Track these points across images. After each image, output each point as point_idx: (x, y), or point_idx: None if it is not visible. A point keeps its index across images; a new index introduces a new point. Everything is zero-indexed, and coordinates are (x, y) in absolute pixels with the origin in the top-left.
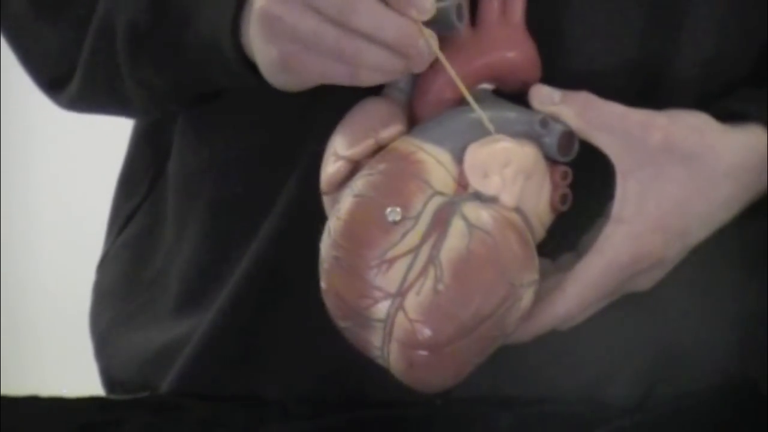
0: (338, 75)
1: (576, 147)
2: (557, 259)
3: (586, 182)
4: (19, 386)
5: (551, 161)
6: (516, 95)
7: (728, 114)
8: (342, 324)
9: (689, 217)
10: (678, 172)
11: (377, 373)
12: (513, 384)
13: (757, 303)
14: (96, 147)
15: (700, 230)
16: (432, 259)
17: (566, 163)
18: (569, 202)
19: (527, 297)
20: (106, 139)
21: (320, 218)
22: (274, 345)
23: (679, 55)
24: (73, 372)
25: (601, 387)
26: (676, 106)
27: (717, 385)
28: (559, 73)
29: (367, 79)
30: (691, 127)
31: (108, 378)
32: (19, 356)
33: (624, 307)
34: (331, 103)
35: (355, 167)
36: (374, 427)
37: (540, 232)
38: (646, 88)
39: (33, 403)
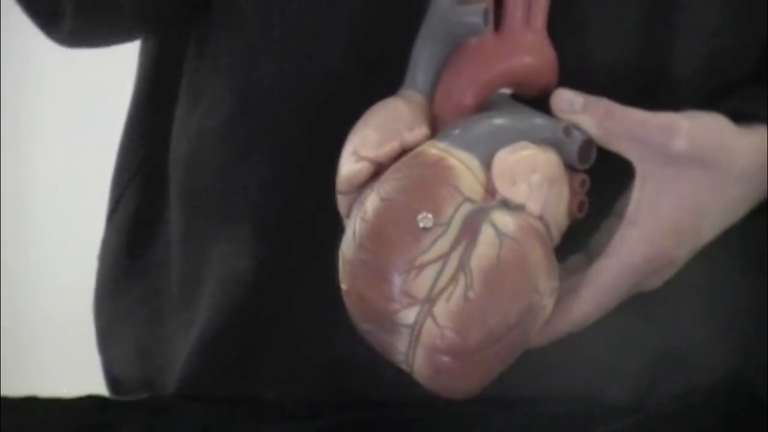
0: None
1: (594, 155)
2: (566, 261)
3: (591, 182)
4: (18, 387)
5: (570, 168)
6: (532, 100)
7: (736, 114)
8: (364, 327)
9: (702, 218)
10: (695, 173)
11: (376, 374)
12: (512, 384)
13: (758, 303)
14: (96, 146)
15: (711, 230)
16: (462, 266)
17: (583, 170)
18: (585, 210)
19: (550, 305)
20: (107, 137)
21: (319, 217)
22: (272, 346)
23: (678, 52)
24: (73, 372)
25: (601, 387)
26: (678, 104)
27: (716, 385)
28: (560, 71)
29: None
30: (712, 131)
31: (110, 375)
32: (19, 356)
33: (624, 307)
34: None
35: (377, 168)
36: (373, 428)
37: (557, 239)
38: (646, 86)
39: (31, 403)
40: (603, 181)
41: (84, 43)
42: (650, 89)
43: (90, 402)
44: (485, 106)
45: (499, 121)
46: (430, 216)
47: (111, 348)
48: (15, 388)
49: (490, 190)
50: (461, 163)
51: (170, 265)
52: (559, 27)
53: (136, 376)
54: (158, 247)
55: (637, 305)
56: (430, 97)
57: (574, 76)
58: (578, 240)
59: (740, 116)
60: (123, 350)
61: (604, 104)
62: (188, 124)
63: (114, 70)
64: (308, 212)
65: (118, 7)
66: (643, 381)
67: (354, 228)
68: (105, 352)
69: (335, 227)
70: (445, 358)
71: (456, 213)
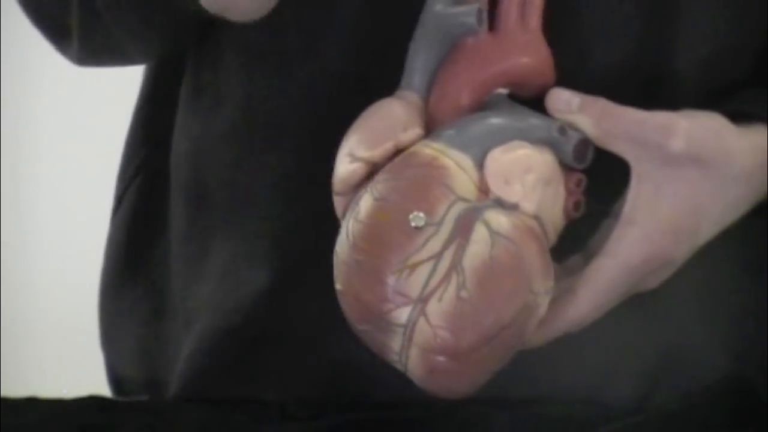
0: None
1: (591, 154)
2: (564, 261)
3: (589, 182)
4: (18, 387)
5: (566, 168)
6: (530, 99)
7: (735, 114)
8: (359, 327)
9: (700, 218)
10: (693, 173)
11: (377, 375)
12: (513, 384)
13: (758, 303)
14: (97, 146)
15: (709, 230)
16: (455, 266)
17: (579, 170)
18: (582, 209)
19: (544, 304)
20: (109, 137)
21: (321, 218)
22: (273, 347)
23: (677, 53)
24: (73, 372)
25: (602, 387)
26: (677, 104)
27: (717, 386)
28: (558, 71)
29: None
30: (710, 131)
31: (113, 372)
32: (19, 356)
33: (624, 307)
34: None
35: (372, 169)
36: (374, 428)
37: (553, 239)
38: (646, 87)
39: (32, 404)
40: (603, 182)
41: (94, 64)
42: (649, 89)
43: (90, 402)
44: (481, 106)
45: (493, 120)
46: (422, 215)
47: (113, 346)
48: (15, 388)
49: (483, 190)
50: (455, 163)
51: (170, 263)
52: (557, 27)
53: (138, 375)
54: (159, 245)
55: (638, 306)
56: (427, 97)
57: (572, 76)
58: (577, 241)
59: (739, 116)
60: (125, 348)
61: (600, 104)
62: (189, 123)
63: (119, 68)
64: (310, 213)
65: (116, 46)
66: (644, 381)
67: (348, 228)
68: (107, 349)
69: (336, 228)
70: (439, 358)
71: (448, 212)
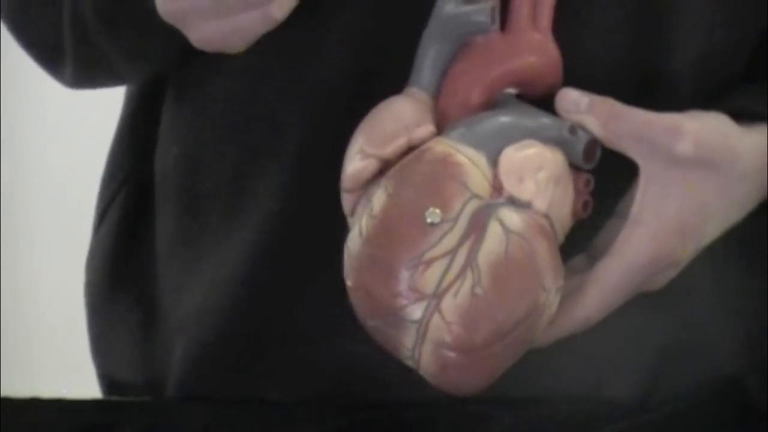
0: (255, 23)
1: (599, 155)
2: (569, 261)
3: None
4: (18, 387)
5: (574, 168)
6: (537, 99)
7: (738, 112)
8: (370, 323)
9: (706, 218)
10: (699, 174)
11: (380, 375)
12: (516, 383)
13: (759, 301)
14: (97, 148)
15: (714, 230)
16: (470, 262)
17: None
18: (590, 210)
19: (555, 302)
20: (107, 141)
21: (322, 217)
22: (273, 349)
23: (672, 51)
24: (74, 373)
25: (604, 385)
26: (674, 103)
27: (716, 385)
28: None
29: (281, 11)
30: (716, 132)
31: (106, 382)
32: (19, 357)
33: (625, 306)
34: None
35: (383, 166)
36: (376, 429)
37: (561, 239)
38: (641, 85)
39: (33, 404)
40: (605, 182)
41: (87, 86)
42: (646, 87)
43: (92, 403)
44: (491, 105)
45: (505, 119)
46: (438, 211)
47: (106, 356)
48: (15, 389)
49: (496, 187)
50: (469, 160)
51: (158, 270)
52: (558, 26)
53: (133, 382)
54: (145, 253)
55: (639, 305)
56: (436, 95)
57: (570, 73)
58: (581, 241)
59: (741, 115)
60: (118, 357)
61: (609, 105)
62: (178, 128)
63: None
64: (311, 213)
65: (111, 68)
66: (644, 380)
67: (361, 224)
68: (100, 359)
69: (337, 227)
70: (452, 354)
71: (464, 209)
